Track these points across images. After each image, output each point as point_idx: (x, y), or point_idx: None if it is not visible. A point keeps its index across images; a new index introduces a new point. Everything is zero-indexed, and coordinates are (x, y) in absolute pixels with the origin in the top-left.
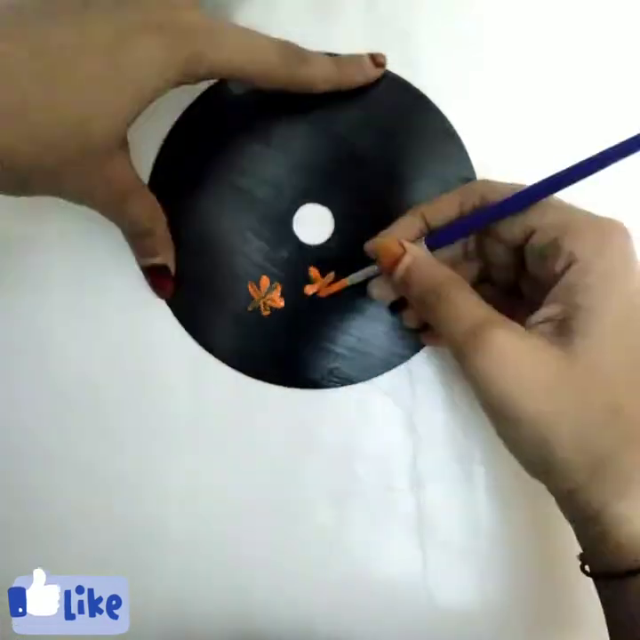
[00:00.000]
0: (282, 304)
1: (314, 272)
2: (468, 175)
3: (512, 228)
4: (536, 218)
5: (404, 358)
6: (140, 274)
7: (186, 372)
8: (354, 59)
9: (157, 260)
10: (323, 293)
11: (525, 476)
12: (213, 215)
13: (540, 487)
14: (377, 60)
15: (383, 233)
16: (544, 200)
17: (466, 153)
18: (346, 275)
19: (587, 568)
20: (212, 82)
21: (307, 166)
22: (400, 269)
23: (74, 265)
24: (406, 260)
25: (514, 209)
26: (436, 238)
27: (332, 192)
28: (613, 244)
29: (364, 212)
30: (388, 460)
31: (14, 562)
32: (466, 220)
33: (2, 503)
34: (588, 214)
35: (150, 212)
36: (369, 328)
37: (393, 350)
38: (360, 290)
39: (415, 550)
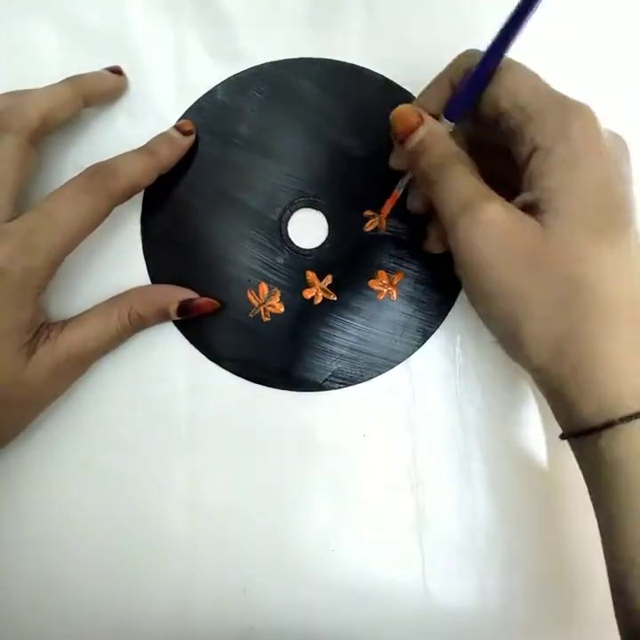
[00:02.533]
0: (282, 309)
1: (311, 276)
2: None
3: (486, 108)
4: (505, 100)
5: (404, 355)
6: (138, 280)
7: (188, 378)
8: (162, 138)
9: (176, 304)
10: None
11: (525, 475)
12: (209, 227)
13: (540, 487)
14: (183, 128)
15: (403, 107)
16: (516, 76)
17: None
18: (342, 276)
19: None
20: (202, 92)
21: (299, 172)
22: (414, 139)
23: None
24: (422, 130)
25: (491, 65)
26: (443, 117)
27: (325, 196)
28: (575, 129)
29: (357, 214)
30: (388, 460)
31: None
32: (457, 96)
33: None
34: (553, 96)
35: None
36: (368, 328)
37: (392, 348)
38: (357, 289)
39: (414, 549)
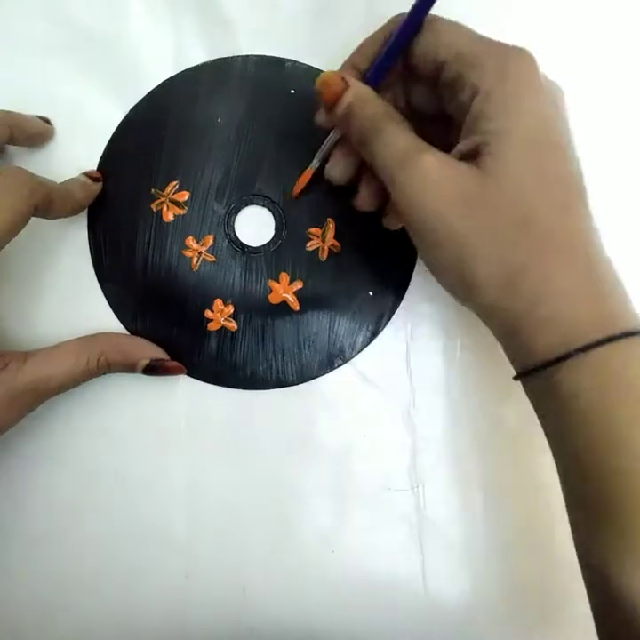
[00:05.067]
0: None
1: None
2: None
3: (425, 64)
4: (443, 51)
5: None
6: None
7: (186, 381)
8: (73, 183)
9: (146, 361)
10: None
11: (525, 476)
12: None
13: (540, 486)
14: (93, 176)
15: (328, 72)
16: (454, 30)
17: None
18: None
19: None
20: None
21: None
22: (341, 105)
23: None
24: (348, 95)
25: (420, 16)
26: (368, 78)
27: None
28: (513, 69)
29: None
30: (388, 460)
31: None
32: (387, 47)
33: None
34: (492, 43)
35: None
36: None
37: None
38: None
39: (414, 549)
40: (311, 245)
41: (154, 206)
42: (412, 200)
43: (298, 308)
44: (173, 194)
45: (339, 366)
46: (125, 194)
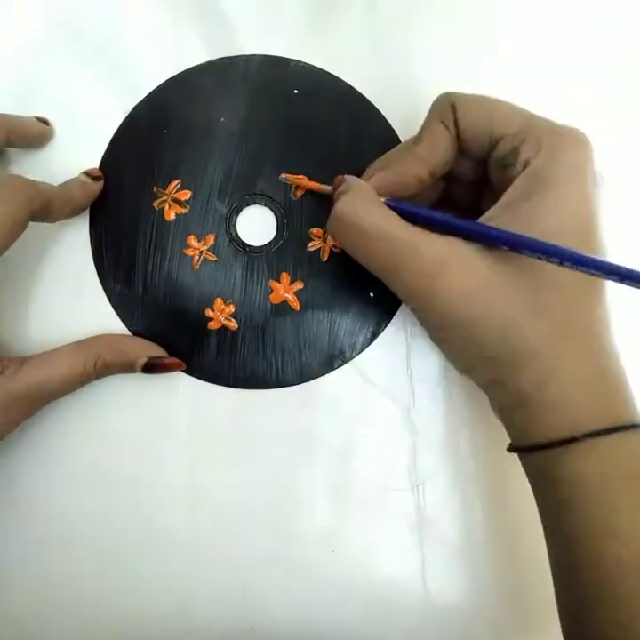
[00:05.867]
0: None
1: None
2: None
3: (481, 139)
4: (503, 127)
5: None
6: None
7: (187, 382)
8: (73, 184)
9: (144, 359)
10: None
11: (525, 475)
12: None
13: None
14: (93, 174)
15: (350, 180)
16: (511, 109)
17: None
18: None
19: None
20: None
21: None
22: (334, 211)
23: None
24: (342, 205)
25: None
26: (398, 206)
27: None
28: (567, 154)
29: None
30: (388, 460)
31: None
32: (435, 214)
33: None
34: (551, 124)
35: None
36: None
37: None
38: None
39: (414, 549)
40: (312, 246)
41: (156, 205)
42: (418, 288)
43: (298, 307)
44: (175, 192)
45: (339, 367)
46: (127, 192)
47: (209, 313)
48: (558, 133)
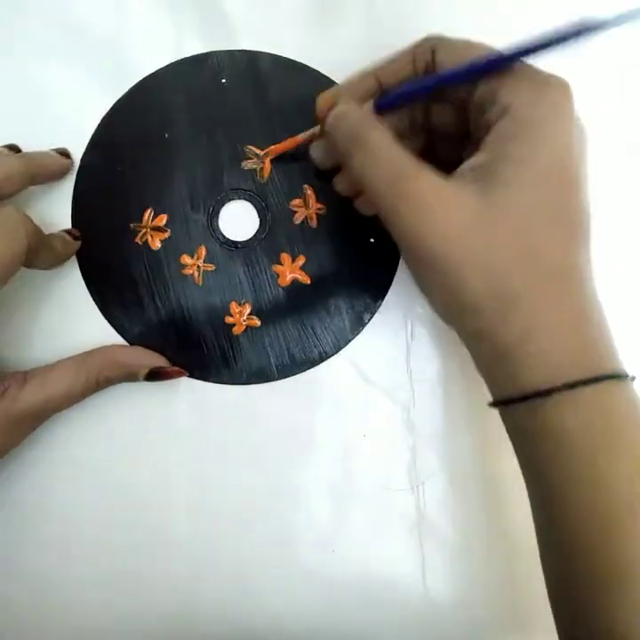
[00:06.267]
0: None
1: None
2: None
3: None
4: None
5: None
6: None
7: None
8: (55, 238)
9: (146, 370)
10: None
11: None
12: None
13: None
14: (73, 234)
15: (331, 89)
16: (492, 51)
17: None
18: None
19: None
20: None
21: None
22: (328, 117)
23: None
24: (335, 109)
25: (466, 78)
26: (387, 99)
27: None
28: (548, 97)
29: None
30: (388, 460)
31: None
32: (416, 83)
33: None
34: (531, 69)
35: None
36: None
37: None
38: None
39: (414, 549)
40: (298, 217)
41: (138, 240)
42: (405, 225)
43: (309, 280)
44: (152, 221)
45: (369, 321)
46: (107, 241)
47: (229, 319)
48: (537, 77)
